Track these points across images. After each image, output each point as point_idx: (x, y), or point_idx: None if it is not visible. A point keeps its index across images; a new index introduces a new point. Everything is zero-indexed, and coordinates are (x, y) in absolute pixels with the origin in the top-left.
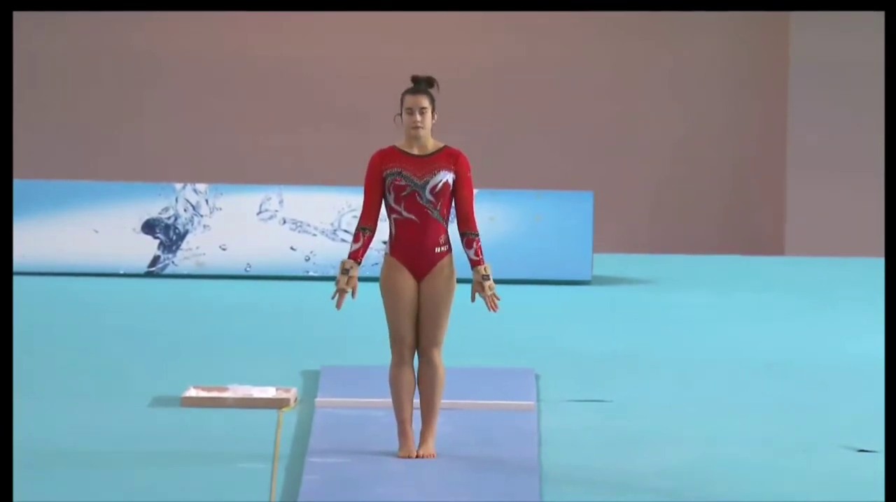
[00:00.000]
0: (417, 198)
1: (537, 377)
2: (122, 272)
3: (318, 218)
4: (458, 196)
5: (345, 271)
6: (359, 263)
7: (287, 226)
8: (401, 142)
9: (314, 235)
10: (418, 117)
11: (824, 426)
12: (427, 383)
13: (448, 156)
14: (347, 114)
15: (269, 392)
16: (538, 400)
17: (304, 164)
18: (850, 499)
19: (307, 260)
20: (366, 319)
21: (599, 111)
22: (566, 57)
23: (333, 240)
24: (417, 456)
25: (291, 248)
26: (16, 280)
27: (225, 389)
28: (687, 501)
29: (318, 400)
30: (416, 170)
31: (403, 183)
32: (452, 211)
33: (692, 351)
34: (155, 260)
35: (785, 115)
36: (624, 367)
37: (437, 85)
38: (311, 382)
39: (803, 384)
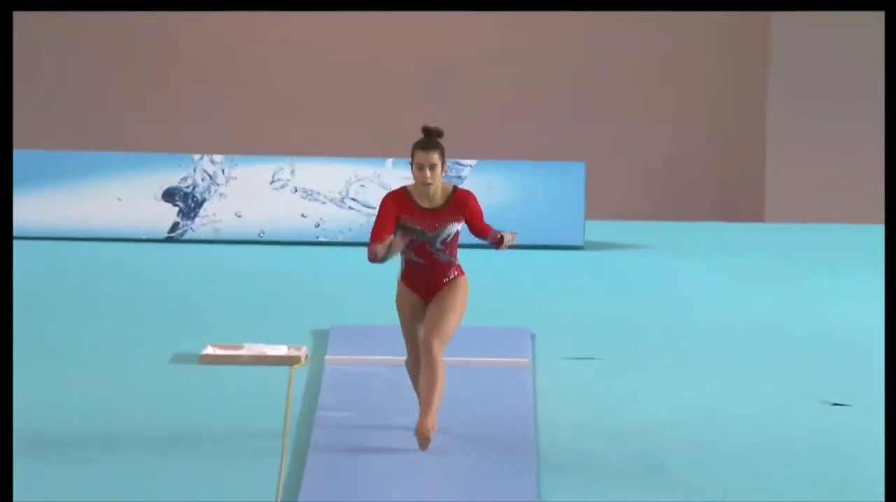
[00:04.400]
0: (428, 247)
1: (533, 336)
2: (143, 238)
3: (328, 187)
4: (474, 227)
5: (380, 248)
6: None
7: (298, 194)
8: (412, 188)
9: (323, 203)
10: (428, 173)
11: (803, 383)
12: (426, 374)
13: (456, 207)
14: (355, 88)
15: (282, 350)
16: (533, 357)
17: (314, 137)
18: (824, 451)
19: (317, 226)
20: (372, 282)
21: (593, 88)
22: (565, 38)
23: (341, 207)
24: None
25: (302, 216)
26: (43, 245)
27: (240, 347)
28: (673, 451)
29: (327, 357)
30: (426, 224)
31: (415, 235)
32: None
33: (680, 313)
34: (174, 226)
35: (765, 90)
36: (615, 328)
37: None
38: (321, 341)
39: (785, 344)
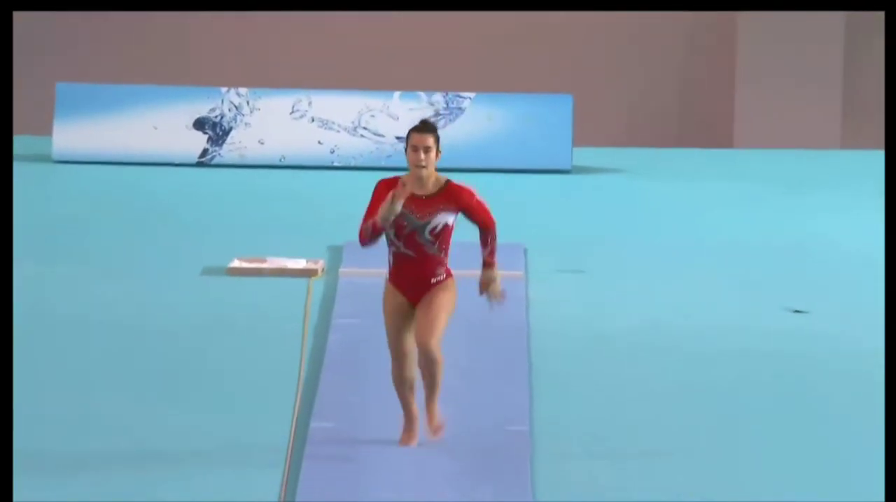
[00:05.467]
0: (417, 236)
1: (525, 251)
2: (176, 162)
3: (342, 117)
4: (476, 220)
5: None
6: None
7: (315, 123)
8: (405, 177)
9: (338, 132)
10: (422, 156)
11: (769, 293)
12: (427, 373)
13: (448, 197)
14: (366, 26)
15: (301, 263)
16: (526, 270)
17: (329, 71)
18: (784, 346)
19: (332, 152)
20: None
21: (583, 27)
22: None
23: (354, 135)
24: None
25: (319, 143)
26: (86, 169)
27: (263, 260)
28: (655, 351)
29: (341, 270)
30: (417, 210)
31: (405, 222)
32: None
33: (659, 230)
34: (204, 152)
35: (735, 25)
36: (600, 244)
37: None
38: (336, 255)
39: (753, 258)
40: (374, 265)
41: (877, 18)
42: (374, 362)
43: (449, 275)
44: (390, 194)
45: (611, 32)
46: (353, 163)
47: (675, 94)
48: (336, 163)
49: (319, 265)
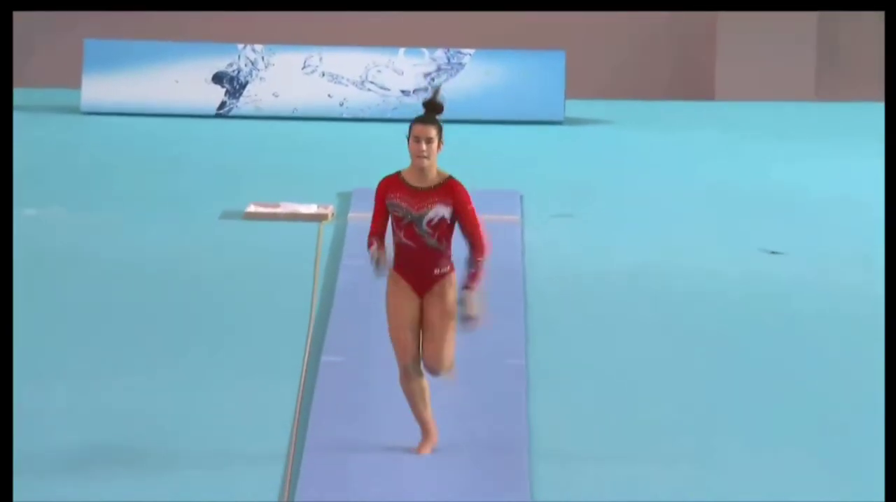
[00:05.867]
0: (415, 227)
1: (521, 197)
2: (196, 114)
3: (350, 72)
4: (462, 226)
5: (373, 256)
6: (379, 246)
7: (325, 78)
8: (406, 170)
9: (346, 86)
10: (424, 147)
11: (749, 235)
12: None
13: (446, 191)
14: None
15: (312, 208)
16: (522, 215)
17: (338, 28)
18: (757, 289)
19: (341, 105)
20: (389, 150)
21: None
22: None
23: (361, 89)
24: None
25: (329, 96)
26: (112, 120)
27: (277, 206)
28: (643, 291)
29: (350, 215)
30: (413, 203)
31: (401, 214)
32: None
33: (645, 178)
34: (222, 104)
35: None
36: (591, 191)
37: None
38: (345, 201)
39: (734, 203)
40: None
41: None
42: (379, 300)
43: (452, 268)
44: (373, 258)
45: None
46: (360, 115)
47: (660, 49)
48: (345, 115)
49: (329, 210)
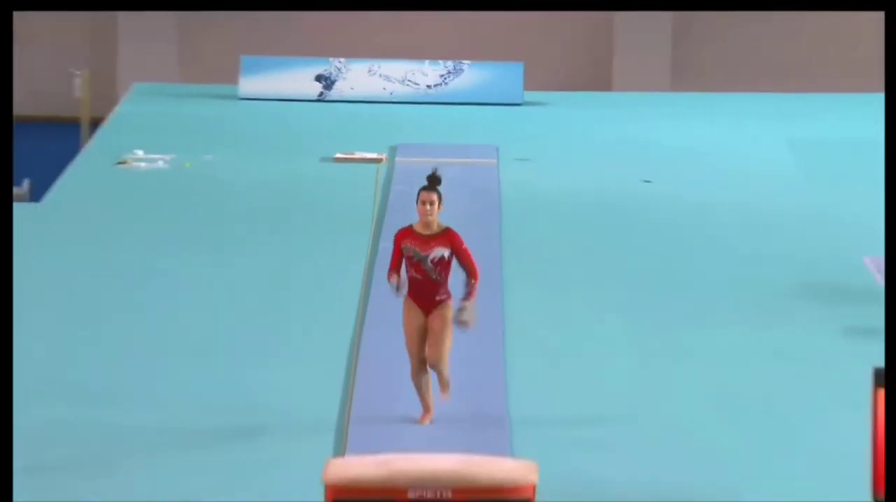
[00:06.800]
0: (422, 265)
1: (497, 149)
2: (305, 99)
3: (396, 74)
4: (459, 261)
5: (392, 284)
6: (398, 276)
7: (381, 78)
8: (416, 224)
9: (393, 83)
10: (428, 208)
11: (637, 173)
12: (439, 376)
13: (445, 238)
14: (409, 19)
15: (373, 155)
16: (498, 160)
17: (389, 48)
18: (640, 210)
19: (391, 94)
20: (418, 122)
21: (537, 19)
22: None
23: (403, 84)
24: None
25: (383, 88)
26: (258, 103)
27: (353, 153)
28: (577, 206)
29: (397, 159)
30: (421, 246)
31: (412, 254)
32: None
33: (577, 138)
34: (320, 93)
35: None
36: (549, 144)
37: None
38: (393, 151)
39: (629, 153)
40: (423, 155)
41: None
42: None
43: (449, 296)
44: (392, 286)
45: (548, 22)
46: (402, 100)
47: (582, 55)
48: (393, 100)
49: (384, 157)
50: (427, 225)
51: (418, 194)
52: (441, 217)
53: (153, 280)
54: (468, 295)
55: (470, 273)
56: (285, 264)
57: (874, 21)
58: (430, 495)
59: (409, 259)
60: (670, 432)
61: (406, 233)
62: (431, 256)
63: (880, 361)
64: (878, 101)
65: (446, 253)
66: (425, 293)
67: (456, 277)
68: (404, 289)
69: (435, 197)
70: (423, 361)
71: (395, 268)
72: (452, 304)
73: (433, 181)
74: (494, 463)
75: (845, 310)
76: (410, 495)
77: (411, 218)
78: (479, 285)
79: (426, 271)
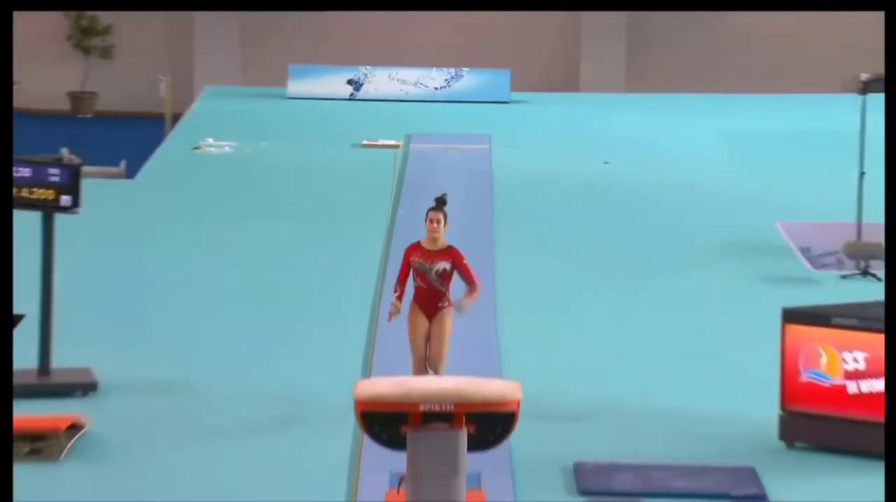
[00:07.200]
0: (428, 276)
1: (490, 137)
2: (338, 98)
3: (411, 78)
4: (461, 275)
5: (393, 305)
6: (399, 299)
7: (399, 82)
8: (423, 240)
9: (408, 85)
10: (435, 226)
11: (601, 154)
12: (436, 373)
13: (448, 254)
14: (425, 30)
15: (392, 142)
16: (490, 146)
17: (406, 57)
18: (603, 188)
19: (406, 94)
20: (427, 117)
21: (524, 25)
22: None
23: (416, 87)
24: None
25: (401, 90)
26: (303, 101)
27: (377, 140)
28: (558, 184)
29: (411, 146)
30: (427, 260)
31: (419, 267)
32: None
33: (559, 126)
34: (351, 94)
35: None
36: (531, 134)
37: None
38: (408, 139)
39: (598, 143)
40: (434, 143)
41: None
42: (433, 183)
43: (450, 304)
44: (392, 310)
45: (530, 34)
46: (416, 99)
47: (557, 63)
48: (408, 99)
49: (401, 143)
50: (434, 241)
51: (427, 213)
52: (448, 194)
53: (213, 243)
54: (468, 297)
55: (470, 284)
56: (324, 229)
57: (795, 30)
58: (437, 408)
59: (417, 270)
60: (624, 356)
61: (415, 249)
62: (436, 268)
63: (789, 303)
64: (792, 100)
65: (449, 266)
66: (429, 300)
67: (456, 288)
68: (397, 317)
69: (441, 216)
70: (423, 360)
71: (401, 281)
72: (452, 312)
73: (440, 202)
74: (488, 383)
75: (762, 264)
76: (421, 408)
77: (421, 190)
78: (476, 244)
79: (431, 281)
